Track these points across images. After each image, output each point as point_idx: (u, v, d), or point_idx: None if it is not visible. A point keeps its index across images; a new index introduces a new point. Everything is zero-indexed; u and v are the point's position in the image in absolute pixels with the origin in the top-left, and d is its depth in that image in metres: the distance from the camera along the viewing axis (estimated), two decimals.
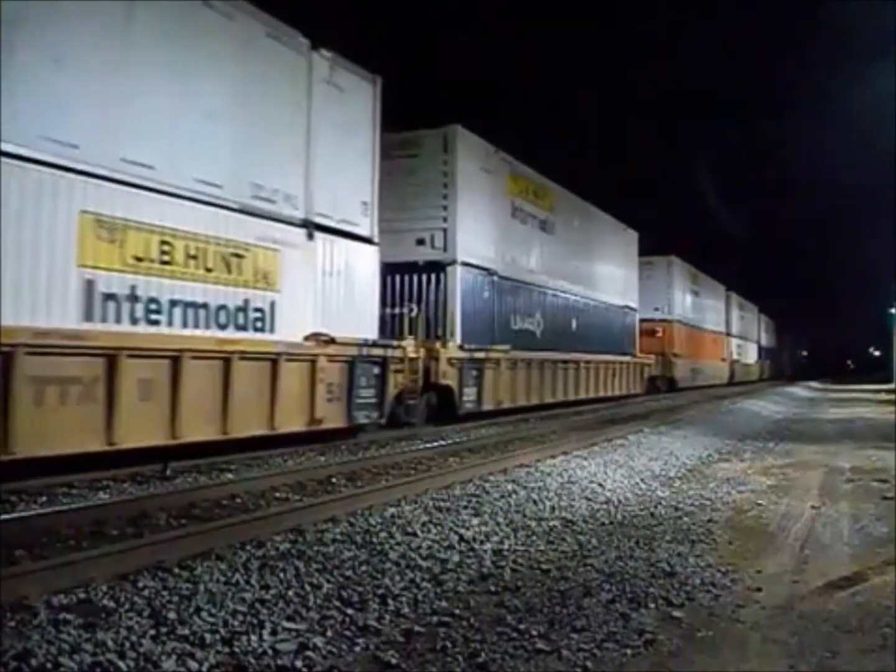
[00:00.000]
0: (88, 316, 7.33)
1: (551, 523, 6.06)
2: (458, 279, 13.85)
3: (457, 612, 3.97)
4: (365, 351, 10.64)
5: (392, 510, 6.09)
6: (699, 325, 33.13)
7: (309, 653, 3.37)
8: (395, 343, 11.46)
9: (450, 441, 11.10)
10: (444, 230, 13.87)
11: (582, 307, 20.02)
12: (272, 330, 9.32)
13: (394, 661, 3.35)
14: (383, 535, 5.34)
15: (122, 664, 3.14)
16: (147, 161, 7.90)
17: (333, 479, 7.77)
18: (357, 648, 3.47)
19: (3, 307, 6.52)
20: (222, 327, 8.70)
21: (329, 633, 3.59)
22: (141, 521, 5.74)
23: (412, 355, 11.86)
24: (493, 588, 4.40)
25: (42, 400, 6.79)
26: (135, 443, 7.58)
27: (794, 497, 7.57)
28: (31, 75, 6.91)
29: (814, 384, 47.14)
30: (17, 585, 3.80)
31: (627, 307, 23.89)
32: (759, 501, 7.29)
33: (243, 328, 8.95)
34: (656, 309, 28.50)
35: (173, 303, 8.15)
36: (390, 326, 12.38)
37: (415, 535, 5.41)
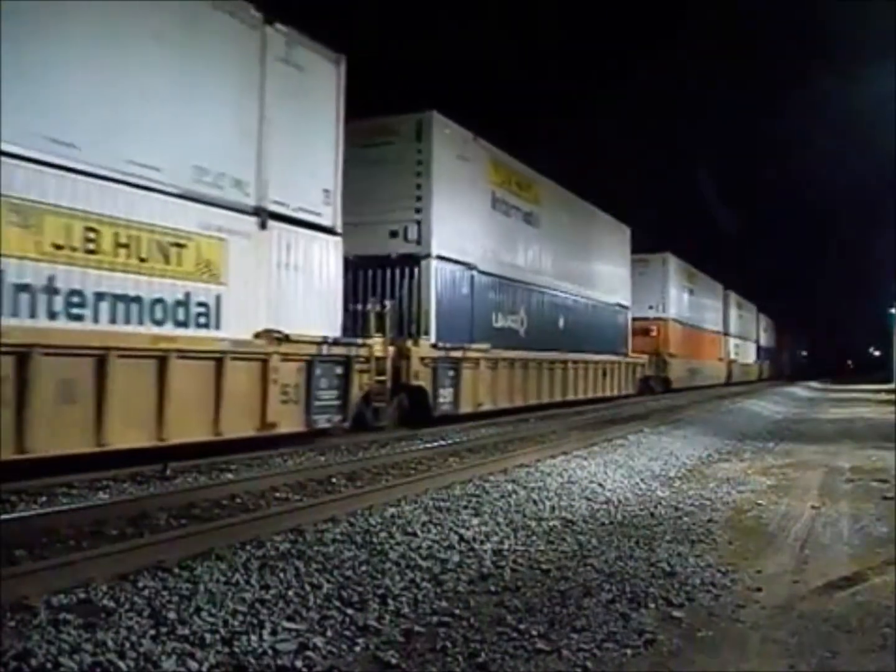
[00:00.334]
0: None
1: (551, 523, 6.06)
2: (433, 274, 13.11)
3: (457, 612, 3.97)
4: (325, 350, 9.93)
5: (392, 510, 6.09)
6: (696, 325, 32.70)
7: (309, 653, 3.37)
8: (359, 341, 10.69)
9: (450, 441, 11.09)
10: (419, 222, 13.11)
11: (570, 305, 19.29)
12: (218, 326, 8.60)
13: (394, 661, 3.35)
14: (383, 535, 5.34)
15: (122, 664, 3.14)
16: (69, 140, 7.17)
17: (333, 479, 7.77)
18: (357, 648, 3.47)
19: None
20: (158, 323, 7.96)
21: (329, 633, 3.59)
22: (141, 521, 5.74)
23: (379, 354, 11.18)
24: (493, 588, 4.40)
25: None
26: (53, 450, 6.94)
27: (794, 497, 7.57)
28: None
29: (814, 384, 47.14)
30: (17, 585, 3.80)
31: (619, 305, 23.18)
32: (759, 501, 7.29)
33: (183, 324, 8.23)
34: (651, 307, 28.01)
35: (100, 296, 7.40)
36: (362, 323, 11.58)
37: (415, 535, 5.41)
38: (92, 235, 7.34)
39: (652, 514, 6.59)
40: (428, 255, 13.06)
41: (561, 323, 18.64)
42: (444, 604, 4.10)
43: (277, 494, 6.99)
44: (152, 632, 3.45)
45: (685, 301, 31.30)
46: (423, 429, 12.24)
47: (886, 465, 9.72)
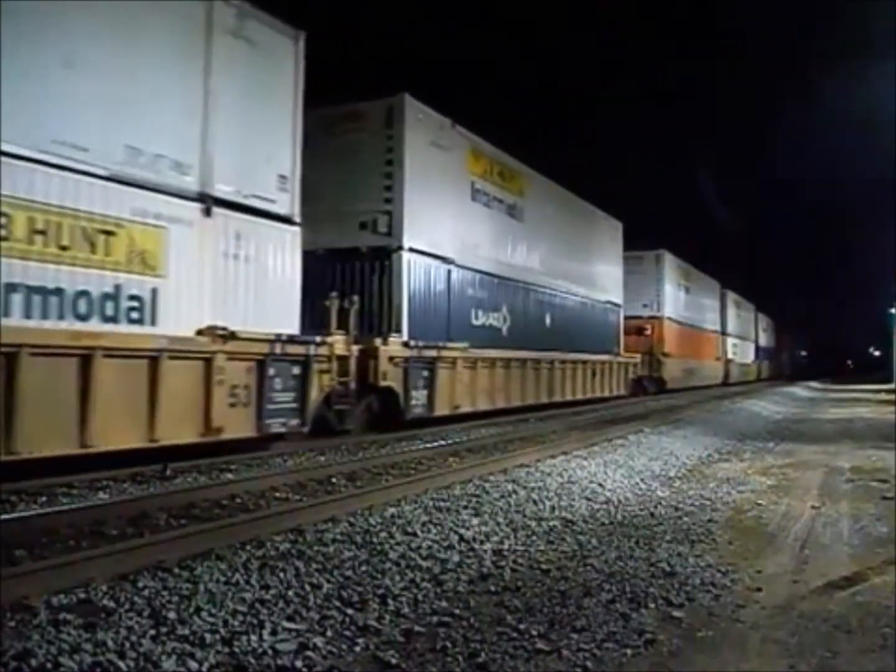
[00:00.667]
0: None
1: (551, 523, 6.06)
2: (405, 268, 12.30)
3: (457, 612, 3.97)
4: (279, 348, 9.11)
5: (392, 510, 6.09)
6: (692, 323, 32.01)
7: (309, 653, 3.37)
8: (317, 339, 9.80)
9: (450, 441, 11.09)
10: (389, 213, 12.27)
11: (557, 302, 18.46)
12: (153, 322, 7.84)
13: (394, 661, 3.35)
14: (383, 535, 5.34)
15: (122, 664, 3.14)
16: None
17: (333, 479, 7.77)
18: (357, 648, 3.47)
19: None
20: (82, 318, 7.23)
21: (329, 633, 3.59)
22: (141, 521, 5.74)
23: (342, 353, 10.36)
24: (493, 588, 4.40)
25: None
26: None
27: (794, 497, 7.57)
28: None
29: (814, 384, 47.15)
30: (17, 585, 3.80)
31: (610, 303, 22.32)
32: (759, 501, 7.29)
33: (112, 320, 7.46)
34: (645, 306, 27.29)
35: (11, 287, 6.68)
36: (330, 320, 10.63)
37: (415, 535, 5.41)
38: (1, 221, 6.62)
39: (652, 514, 6.59)
40: (399, 248, 12.27)
41: (547, 321, 17.87)
42: (444, 604, 4.10)
43: (277, 494, 6.99)
44: (152, 632, 3.45)
45: (681, 299, 30.65)
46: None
47: (886, 465, 9.72)
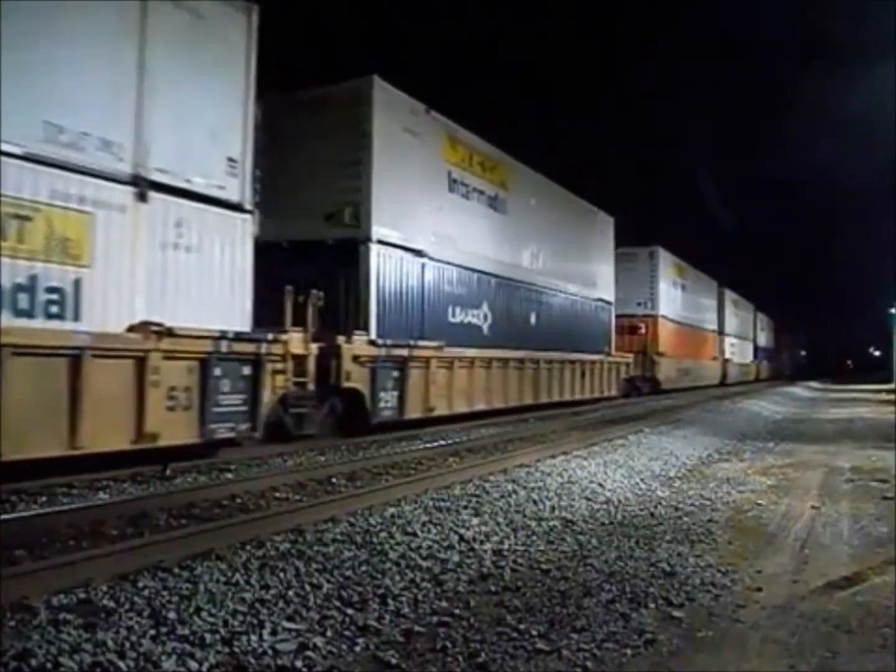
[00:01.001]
0: None
1: (551, 523, 6.07)
2: (373, 261, 11.46)
3: (457, 612, 3.97)
4: (225, 346, 8.23)
5: (392, 510, 6.09)
6: (688, 322, 31.09)
7: (309, 653, 3.37)
8: (269, 336, 8.95)
9: (450, 441, 11.09)
10: (357, 203, 11.42)
11: (543, 299, 17.57)
12: (76, 317, 7.06)
13: (394, 661, 3.35)
14: (383, 535, 5.35)
15: (122, 664, 3.14)
16: None
17: (333, 479, 7.77)
18: (357, 648, 3.47)
19: None
20: None
21: (329, 633, 3.60)
22: (141, 521, 5.74)
23: (298, 352, 9.53)
24: (493, 588, 4.40)
25: None
26: None
27: (794, 497, 7.57)
28: None
29: (814, 384, 47.16)
30: (17, 585, 3.81)
31: (600, 300, 21.26)
32: (759, 501, 7.29)
33: (27, 314, 6.70)
34: (639, 304, 26.37)
35: None
36: (285, 316, 9.67)
37: (415, 535, 5.41)
38: None
39: (652, 514, 6.59)
40: (367, 240, 11.42)
41: (532, 319, 16.96)
42: (444, 604, 4.10)
43: (277, 494, 6.99)
44: (152, 632, 3.45)
45: (676, 297, 29.72)
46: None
47: (886, 465, 9.72)
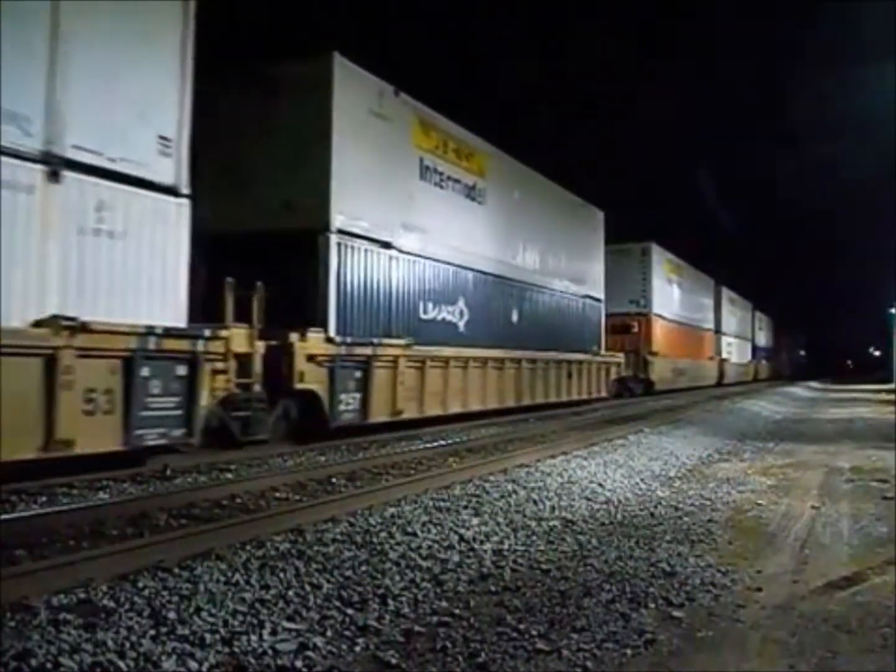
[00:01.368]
0: None
1: (551, 523, 6.07)
2: (333, 252, 10.62)
3: (457, 612, 3.98)
4: (153, 343, 7.41)
5: (392, 510, 6.09)
6: (683, 321, 30.33)
7: (309, 653, 3.37)
8: (206, 333, 8.11)
9: (450, 441, 11.09)
10: (315, 190, 10.58)
11: (526, 295, 16.69)
12: None
13: (394, 661, 3.35)
14: (383, 535, 5.35)
15: (122, 664, 3.14)
16: None
17: (333, 479, 7.77)
18: (357, 648, 3.47)
19: None
20: None
21: (329, 633, 3.60)
22: (141, 521, 5.74)
23: (242, 350, 8.78)
24: (493, 588, 4.40)
25: None
26: None
27: (794, 497, 7.57)
28: None
29: (814, 384, 47.18)
30: (17, 585, 3.81)
31: (589, 297, 20.40)
32: (759, 501, 7.30)
33: None
34: (632, 302, 25.49)
35: None
36: (225, 311, 8.78)
37: (415, 535, 5.41)
38: None
39: (652, 514, 6.59)
40: (326, 230, 10.57)
41: (514, 316, 16.11)
42: (444, 604, 4.10)
43: (277, 494, 6.99)
44: (152, 632, 3.45)
45: (671, 295, 28.95)
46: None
47: (886, 465, 9.72)
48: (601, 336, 21.33)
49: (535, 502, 6.79)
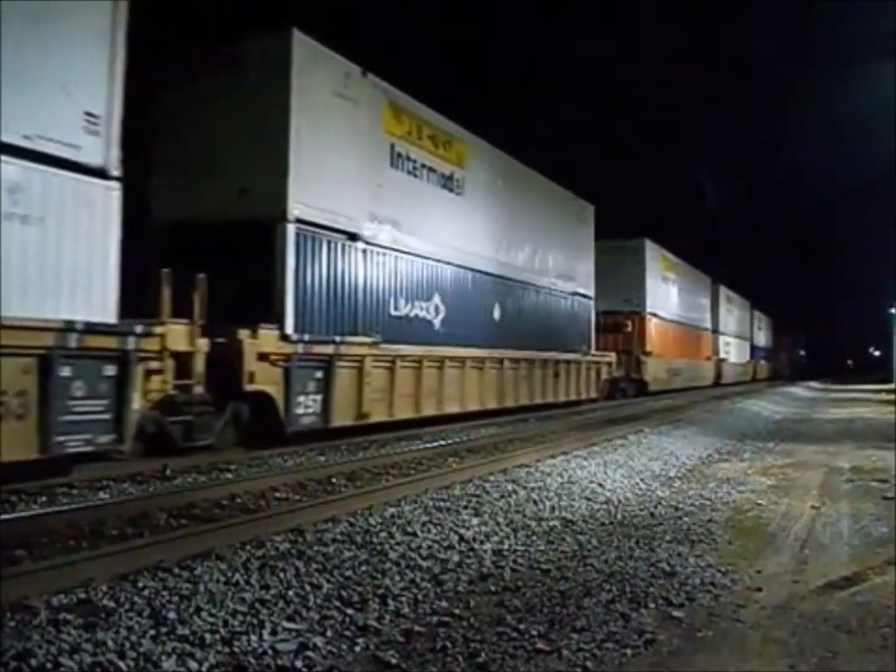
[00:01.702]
0: None
1: (551, 523, 6.07)
2: (291, 242, 9.83)
3: (457, 612, 3.97)
4: (74, 340, 6.73)
5: (392, 510, 6.09)
6: (679, 320, 29.69)
7: (309, 653, 3.37)
8: (138, 329, 7.42)
9: (450, 441, 11.09)
10: (272, 175, 9.79)
11: (509, 292, 15.85)
12: None
13: (394, 661, 3.35)
14: (383, 535, 5.35)
15: (122, 664, 3.14)
16: None
17: (333, 479, 7.77)
18: (357, 648, 3.47)
19: None
20: None
21: (329, 633, 3.59)
22: (141, 521, 5.74)
23: (181, 348, 8.09)
24: (493, 588, 4.40)
25: None
26: None
27: (794, 497, 7.57)
28: None
29: (814, 384, 47.16)
30: (17, 585, 3.81)
31: (578, 294, 19.58)
32: (759, 501, 7.30)
33: None
34: (625, 300, 24.69)
35: None
36: (160, 305, 7.96)
37: (415, 535, 5.41)
38: None
39: (652, 514, 6.59)
40: (283, 219, 9.78)
41: (496, 313, 15.28)
42: (444, 604, 4.10)
43: (277, 494, 6.99)
44: (152, 632, 3.45)
45: (666, 293, 28.17)
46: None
47: (886, 465, 9.72)
48: (591, 335, 20.57)
49: (535, 502, 6.79)
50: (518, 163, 16.68)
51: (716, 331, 37.18)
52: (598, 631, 3.77)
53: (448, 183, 13.71)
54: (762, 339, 53.55)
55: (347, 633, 3.62)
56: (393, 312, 12.03)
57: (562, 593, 4.33)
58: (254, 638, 3.47)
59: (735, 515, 6.67)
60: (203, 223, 9.71)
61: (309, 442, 10.03)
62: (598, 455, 9.86)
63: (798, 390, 36.58)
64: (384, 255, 11.85)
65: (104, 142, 7.28)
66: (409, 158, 12.53)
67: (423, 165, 12.94)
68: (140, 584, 4.03)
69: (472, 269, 14.41)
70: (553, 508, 6.61)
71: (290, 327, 9.78)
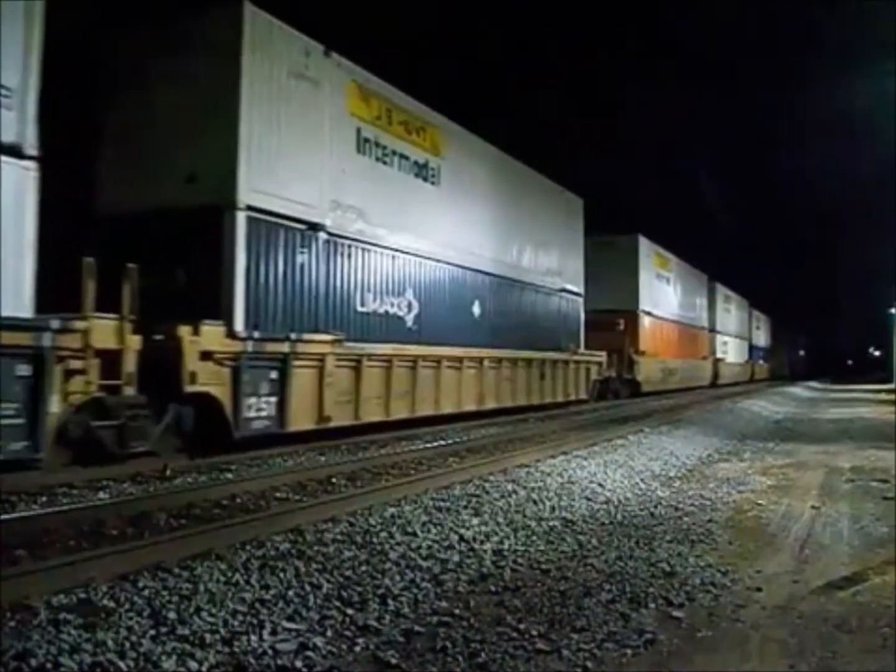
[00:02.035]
0: None
1: (551, 523, 6.07)
2: (241, 232, 9.11)
3: (457, 612, 3.98)
4: None
5: (392, 510, 6.09)
6: (673, 319, 28.95)
7: (309, 653, 3.37)
8: (55, 324, 6.83)
9: (450, 441, 11.09)
10: (222, 159, 9.11)
11: (490, 287, 15.04)
12: None
13: (394, 661, 3.36)
14: (383, 535, 5.34)
15: (122, 664, 3.14)
16: None
17: (333, 479, 7.77)
18: (357, 648, 3.47)
19: None
20: None
21: (329, 633, 3.60)
22: (141, 521, 5.74)
23: (108, 345, 7.40)
24: (493, 588, 4.40)
25: None
26: None
27: (794, 497, 7.57)
28: None
29: (814, 384, 47.18)
30: (17, 585, 3.80)
31: (566, 291, 18.78)
32: (759, 501, 7.30)
33: None
34: (618, 298, 23.94)
35: None
36: (85, 297, 7.24)
37: (415, 535, 5.41)
38: None
39: (652, 514, 6.59)
40: (233, 207, 9.07)
41: (476, 310, 14.47)
42: (444, 604, 4.10)
43: (277, 494, 6.99)
44: (152, 632, 3.45)
45: (660, 291, 27.35)
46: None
47: (886, 465, 9.72)
48: (580, 333, 19.71)
49: (535, 502, 6.79)
50: (501, 152, 15.81)
51: (713, 330, 36.61)
52: (598, 631, 3.77)
53: (422, 171, 12.93)
54: (761, 338, 53.25)
55: (347, 633, 3.63)
56: (359, 308, 11.30)
57: (562, 593, 4.33)
58: (254, 638, 3.47)
59: (735, 515, 6.67)
60: (151, 212, 9.10)
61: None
62: (598, 455, 9.86)
63: (798, 390, 36.58)
64: (349, 246, 11.10)
65: (18, 117, 6.66)
66: (377, 144, 11.76)
67: (394, 152, 12.17)
68: (140, 584, 4.02)
69: (449, 264, 13.63)
70: (553, 508, 6.61)
71: (239, 323, 9.05)
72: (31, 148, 6.74)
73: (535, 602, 4.17)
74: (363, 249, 11.38)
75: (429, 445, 10.55)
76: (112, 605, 3.73)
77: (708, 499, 7.36)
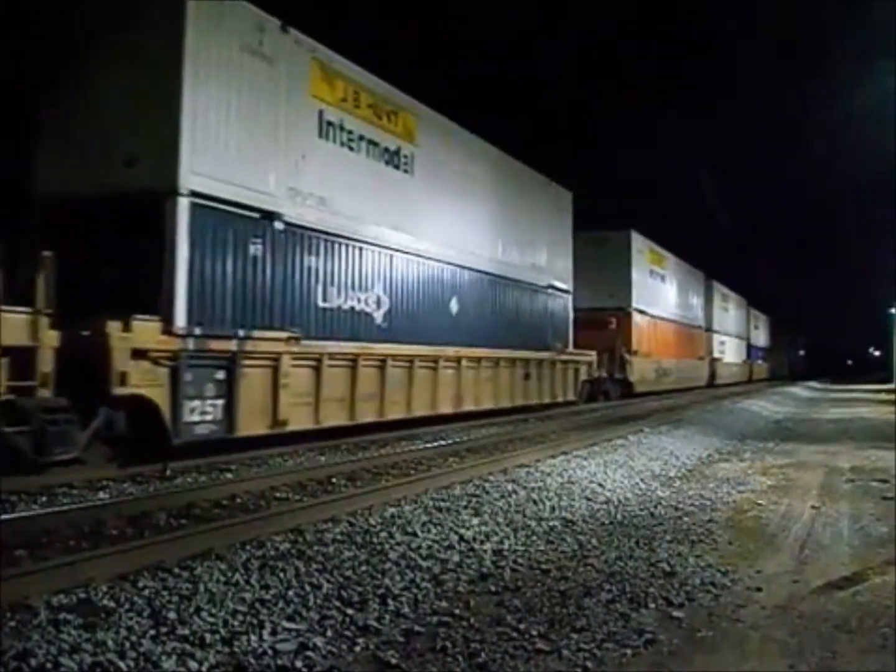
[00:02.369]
0: None
1: (551, 523, 6.07)
2: (183, 220, 8.40)
3: (457, 611, 3.98)
4: None
5: (392, 510, 6.09)
6: (668, 318, 28.18)
7: (309, 653, 3.37)
8: None
9: (450, 441, 11.09)
10: (163, 141, 8.43)
11: (470, 283, 14.20)
12: None
13: (394, 661, 3.36)
14: (383, 535, 5.34)
15: (122, 664, 3.14)
16: None
17: (333, 479, 7.77)
18: (357, 648, 3.47)
19: None
20: None
21: (329, 633, 3.60)
22: (141, 521, 5.74)
23: (20, 342, 6.84)
24: (493, 588, 4.40)
25: None
26: None
27: (794, 497, 7.57)
28: None
29: (813, 384, 47.20)
30: (17, 585, 3.81)
31: (553, 287, 17.94)
32: (759, 501, 7.30)
33: None
34: (609, 295, 23.18)
35: None
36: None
37: (415, 535, 5.41)
38: None
39: (652, 514, 6.59)
40: (174, 192, 8.36)
41: (454, 307, 13.63)
42: (444, 604, 4.10)
43: (277, 494, 6.99)
44: (152, 632, 3.45)
45: (653, 289, 26.59)
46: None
47: (886, 465, 9.73)
48: (568, 332, 18.86)
49: (535, 502, 6.79)
50: (483, 141, 14.98)
51: (710, 329, 35.96)
52: (598, 631, 3.77)
53: (393, 159, 12.06)
54: (760, 338, 52.93)
55: (347, 633, 3.63)
56: (321, 304, 10.45)
57: (562, 593, 4.33)
58: (254, 638, 3.47)
59: (735, 515, 6.67)
60: (87, 197, 8.51)
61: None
62: (598, 455, 9.86)
63: (798, 390, 36.59)
64: (310, 237, 10.29)
65: None
66: (342, 128, 10.93)
67: (362, 137, 11.32)
68: (140, 584, 4.02)
69: (423, 257, 12.76)
70: (553, 508, 6.61)
71: (181, 319, 8.32)
72: None
73: (535, 602, 4.17)
74: (326, 241, 10.58)
75: (429, 445, 10.55)
76: (112, 605, 3.73)
77: (708, 499, 7.36)
